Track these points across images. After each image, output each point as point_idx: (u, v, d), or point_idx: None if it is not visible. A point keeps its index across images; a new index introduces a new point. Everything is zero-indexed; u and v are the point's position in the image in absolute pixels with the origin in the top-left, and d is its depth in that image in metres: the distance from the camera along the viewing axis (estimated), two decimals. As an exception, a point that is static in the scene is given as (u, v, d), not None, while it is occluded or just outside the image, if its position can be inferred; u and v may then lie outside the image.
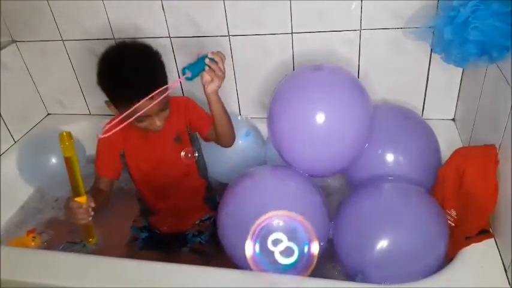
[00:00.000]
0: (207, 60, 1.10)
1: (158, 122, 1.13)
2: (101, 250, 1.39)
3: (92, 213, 1.04)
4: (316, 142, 1.17)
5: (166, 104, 1.14)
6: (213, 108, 1.21)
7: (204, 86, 1.15)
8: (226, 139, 1.31)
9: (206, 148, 1.54)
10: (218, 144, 1.34)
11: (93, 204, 1.04)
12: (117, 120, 1.03)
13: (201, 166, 1.37)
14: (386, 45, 1.42)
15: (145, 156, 1.27)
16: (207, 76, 1.12)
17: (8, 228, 1.52)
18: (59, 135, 0.97)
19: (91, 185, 1.28)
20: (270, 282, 1.06)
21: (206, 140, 1.35)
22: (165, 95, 1.08)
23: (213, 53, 1.12)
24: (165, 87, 1.07)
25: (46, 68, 1.74)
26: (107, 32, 1.58)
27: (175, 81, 1.07)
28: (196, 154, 1.29)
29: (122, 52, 1.12)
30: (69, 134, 0.97)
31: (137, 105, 1.03)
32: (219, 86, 1.16)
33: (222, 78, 1.14)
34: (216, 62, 1.12)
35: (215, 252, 1.32)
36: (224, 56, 1.14)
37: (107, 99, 1.14)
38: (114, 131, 0.99)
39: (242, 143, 1.52)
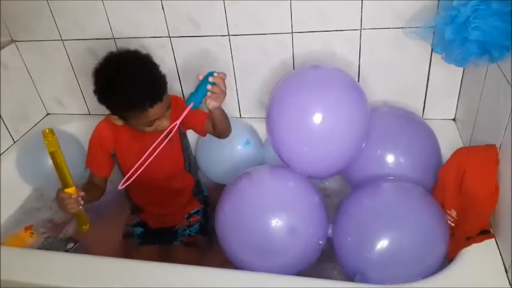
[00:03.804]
0: (208, 86, 1.11)
1: (166, 122, 1.17)
2: (96, 250, 1.39)
3: (82, 202, 1.10)
4: (314, 142, 1.17)
5: (169, 102, 1.19)
6: (213, 117, 1.23)
7: (205, 103, 1.17)
8: (223, 135, 1.35)
9: (204, 150, 1.55)
10: (214, 136, 1.36)
11: (82, 193, 1.10)
12: (132, 170, 1.10)
13: (189, 163, 1.39)
14: (386, 45, 1.41)
15: (136, 155, 1.27)
16: (208, 98, 1.14)
17: (6, 227, 1.52)
18: (42, 133, 1.04)
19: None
20: (269, 282, 1.06)
21: (203, 135, 1.37)
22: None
23: (214, 77, 1.12)
24: (176, 122, 1.11)
25: (46, 68, 1.74)
26: (106, 32, 1.58)
27: (181, 116, 1.10)
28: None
29: (119, 66, 1.13)
30: (51, 131, 1.05)
31: (151, 110, 1.10)
32: (221, 103, 1.17)
33: (224, 96, 1.16)
34: (217, 84, 1.13)
35: (207, 243, 1.37)
36: (225, 75, 1.14)
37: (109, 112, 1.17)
38: (131, 179, 1.09)
39: (241, 148, 1.53)
